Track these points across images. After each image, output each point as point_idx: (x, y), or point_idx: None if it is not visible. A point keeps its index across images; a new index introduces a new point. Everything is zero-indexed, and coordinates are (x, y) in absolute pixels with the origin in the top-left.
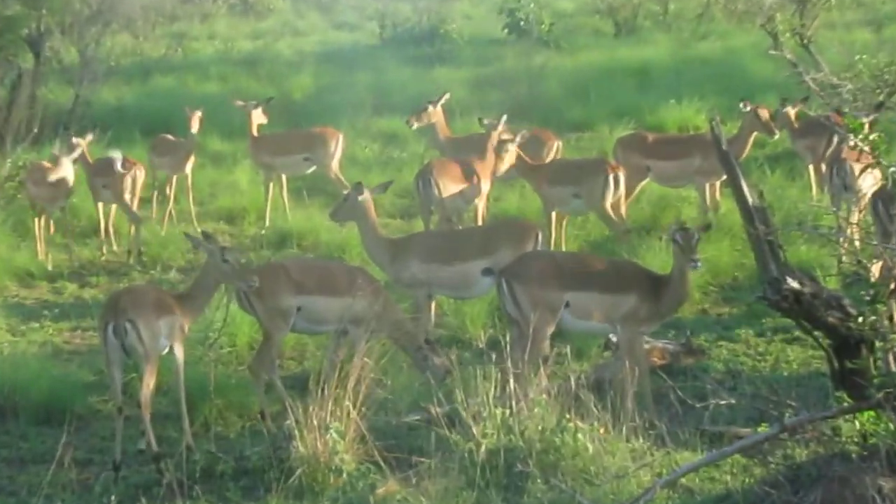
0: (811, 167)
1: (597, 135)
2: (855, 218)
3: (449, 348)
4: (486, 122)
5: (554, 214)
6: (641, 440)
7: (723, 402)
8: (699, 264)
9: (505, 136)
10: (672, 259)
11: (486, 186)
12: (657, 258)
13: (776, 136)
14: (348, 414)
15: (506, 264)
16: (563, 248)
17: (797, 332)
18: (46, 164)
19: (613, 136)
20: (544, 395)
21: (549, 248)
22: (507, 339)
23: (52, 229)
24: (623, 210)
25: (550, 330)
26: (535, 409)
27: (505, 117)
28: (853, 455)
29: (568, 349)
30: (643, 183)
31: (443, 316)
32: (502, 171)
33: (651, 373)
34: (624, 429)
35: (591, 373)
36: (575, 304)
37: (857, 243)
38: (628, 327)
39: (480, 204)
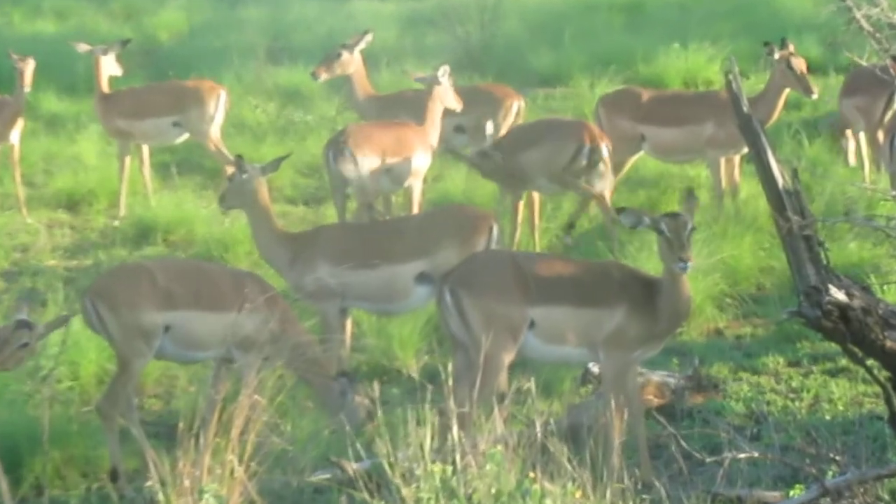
0: (863, 136)
1: (573, 91)
2: None
3: (370, 382)
4: (419, 76)
5: (521, 202)
6: None
7: (742, 456)
8: (688, 265)
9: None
10: (660, 258)
11: (423, 161)
12: (655, 259)
13: (815, 95)
14: (232, 472)
15: (449, 268)
16: (537, 247)
17: (843, 361)
18: None
19: (595, 93)
20: (500, 447)
21: (509, 246)
22: (450, 369)
23: None
24: (607, 193)
25: (509, 358)
26: (488, 466)
27: (446, 69)
28: None
29: (532, 383)
30: (635, 157)
31: (362, 338)
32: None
33: (646, 416)
34: (608, 492)
35: (564, 416)
36: (543, 323)
37: None
38: (615, 353)
39: (416, 185)
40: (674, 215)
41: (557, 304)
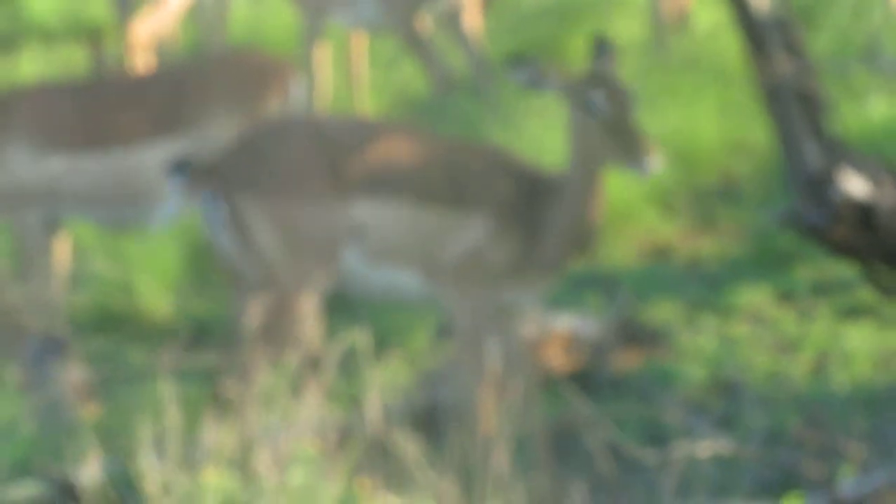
0: None
1: None
2: None
3: (96, 337)
4: None
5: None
6: None
7: (705, 451)
8: (651, 166)
9: None
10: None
11: None
12: (560, 135)
13: None
14: None
15: (222, 151)
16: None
17: (866, 294)
18: None
19: None
20: (310, 440)
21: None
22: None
23: None
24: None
25: (319, 289)
26: (292, 469)
27: None
28: None
29: (363, 338)
30: None
31: (85, 267)
32: None
33: (548, 389)
34: None
35: (414, 391)
36: (374, 228)
37: None
38: (467, 290)
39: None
40: (612, 83)
41: (390, 198)
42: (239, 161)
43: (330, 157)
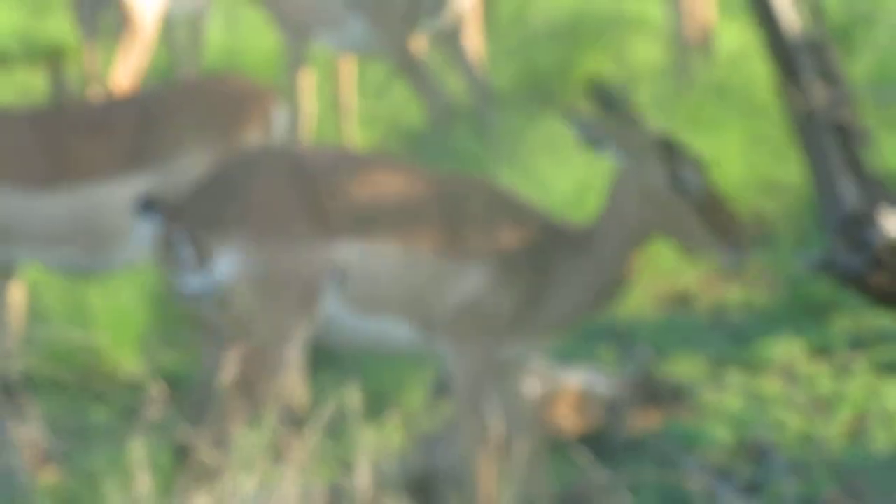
0: None
1: None
2: None
3: (59, 398)
4: None
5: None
6: None
7: None
8: (738, 259)
9: None
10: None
11: None
12: (572, 173)
13: None
14: None
15: (190, 189)
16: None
17: None
18: None
19: None
20: None
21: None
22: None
23: None
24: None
25: (298, 338)
26: None
27: None
28: None
29: (354, 396)
30: None
31: (45, 320)
32: None
33: (559, 451)
34: None
35: (410, 454)
36: (360, 272)
37: None
38: (468, 343)
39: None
40: (688, 158)
41: (378, 237)
42: (210, 197)
43: (312, 193)
